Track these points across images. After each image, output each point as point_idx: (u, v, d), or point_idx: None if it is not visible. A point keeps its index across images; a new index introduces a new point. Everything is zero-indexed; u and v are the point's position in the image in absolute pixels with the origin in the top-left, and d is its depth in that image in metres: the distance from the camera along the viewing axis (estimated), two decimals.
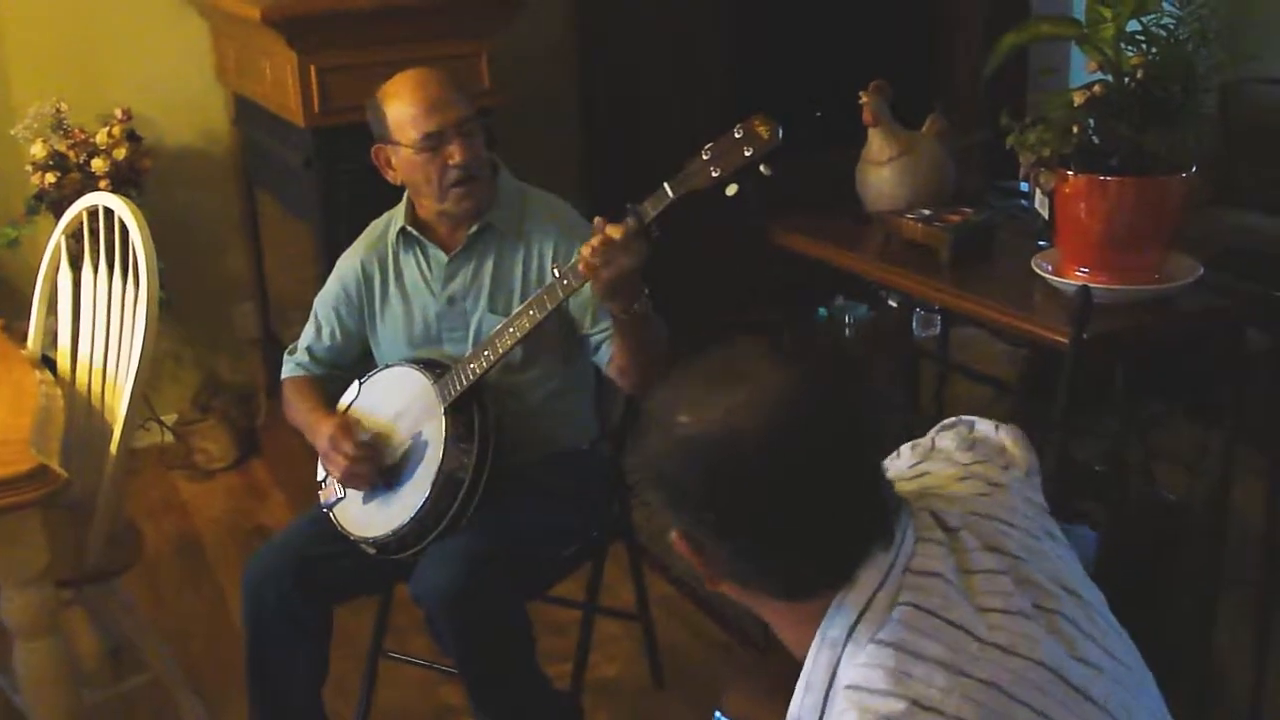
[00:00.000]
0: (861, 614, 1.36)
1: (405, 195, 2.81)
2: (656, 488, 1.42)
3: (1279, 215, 4.47)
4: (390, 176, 2.76)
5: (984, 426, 1.73)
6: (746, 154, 2.31)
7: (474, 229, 2.74)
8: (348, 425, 2.69)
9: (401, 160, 2.70)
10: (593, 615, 2.93)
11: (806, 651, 1.41)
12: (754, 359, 1.40)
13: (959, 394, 3.26)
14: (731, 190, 2.34)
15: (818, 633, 1.40)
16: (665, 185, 2.38)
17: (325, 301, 2.89)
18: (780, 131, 2.31)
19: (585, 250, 2.39)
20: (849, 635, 1.37)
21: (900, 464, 1.68)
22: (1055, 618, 1.40)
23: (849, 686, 1.34)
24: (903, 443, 1.76)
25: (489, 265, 2.75)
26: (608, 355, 2.68)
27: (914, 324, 3.49)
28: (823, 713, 1.38)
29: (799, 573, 1.40)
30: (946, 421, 1.78)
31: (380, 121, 2.71)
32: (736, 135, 2.33)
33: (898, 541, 1.39)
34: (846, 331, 4.17)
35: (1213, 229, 3.35)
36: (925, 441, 1.72)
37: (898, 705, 1.29)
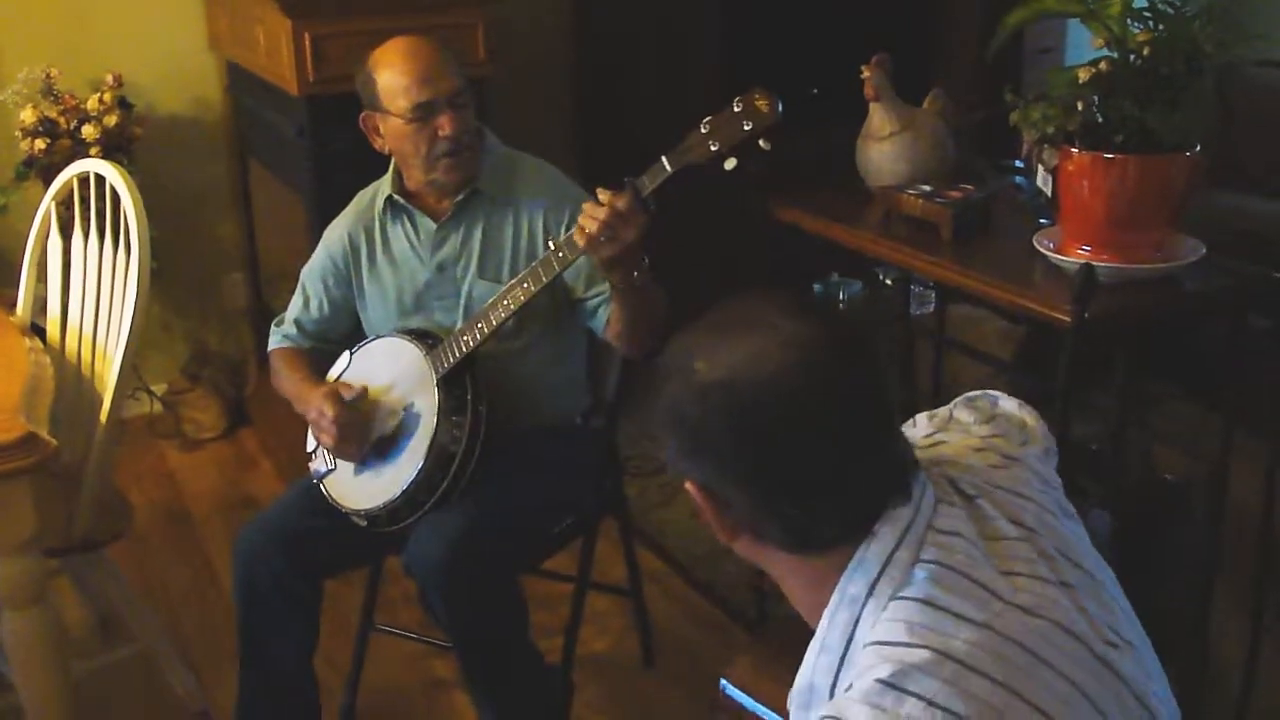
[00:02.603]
0: (883, 569, 1.35)
1: (392, 164, 2.79)
2: (674, 435, 1.40)
3: (1278, 198, 4.46)
4: (378, 145, 2.74)
5: (1008, 404, 1.72)
6: (745, 128, 2.29)
7: (462, 196, 2.72)
8: (336, 392, 2.67)
9: (390, 129, 2.68)
10: (584, 590, 2.91)
11: (819, 613, 1.40)
12: (769, 307, 1.39)
13: (955, 371, 3.24)
14: (730, 165, 2.32)
15: (836, 590, 1.38)
16: (663, 158, 2.37)
17: (313, 272, 2.87)
18: (780, 106, 2.29)
19: (589, 224, 2.36)
20: (870, 592, 1.35)
21: (916, 433, 1.67)
22: (1073, 591, 1.39)
23: (873, 643, 1.32)
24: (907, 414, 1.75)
25: (478, 231, 2.73)
26: (604, 320, 2.67)
27: (910, 301, 3.47)
28: (837, 675, 1.37)
29: (816, 522, 1.39)
30: (970, 395, 1.77)
31: (370, 89, 2.68)
32: (736, 109, 2.31)
33: (916, 498, 1.38)
34: (840, 308, 4.16)
35: (1212, 211, 3.34)
36: (943, 412, 1.71)
37: (923, 654, 1.28)
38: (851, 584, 1.37)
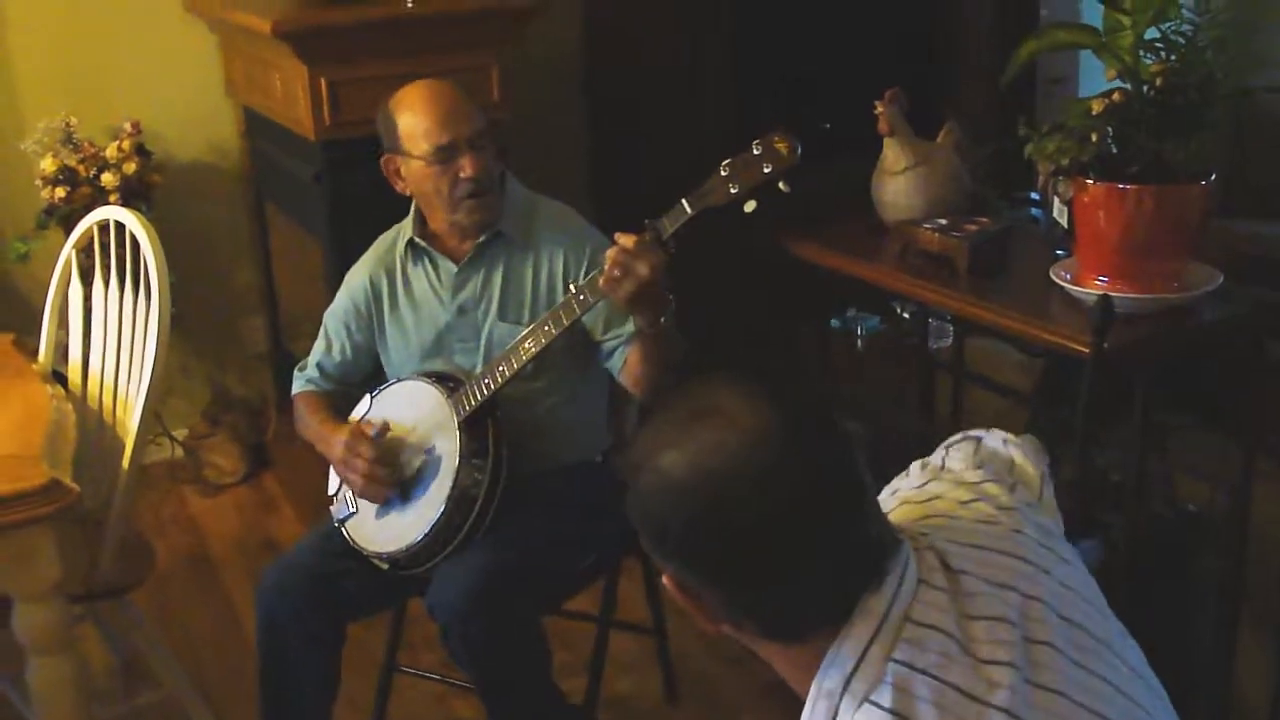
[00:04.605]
0: (856, 667, 1.33)
1: (413, 207, 2.80)
2: (643, 532, 1.39)
3: None
4: (399, 187, 2.75)
5: (992, 442, 1.69)
6: (765, 171, 2.30)
7: (483, 238, 2.73)
8: (364, 431, 2.68)
9: (411, 171, 2.69)
10: (607, 629, 2.91)
11: (805, 695, 1.38)
12: (726, 394, 1.36)
13: (975, 404, 3.24)
14: (750, 207, 2.32)
15: (814, 681, 1.36)
16: (683, 201, 2.37)
17: (335, 316, 2.88)
18: (800, 149, 2.29)
19: (607, 264, 2.37)
20: (844, 688, 1.33)
21: (909, 483, 1.65)
22: (1059, 657, 1.36)
23: None
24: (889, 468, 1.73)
25: (499, 274, 2.74)
26: (620, 362, 2.67)
27: (928, 334, 3.47)
28: None
29: (787, 615, 1.38)
30: (953, 439, 1.75)
31: (391, 131, 2.70)
32: (755, 152, 2.32)
33: (893, 583, 1.35)
34: (858, 344, 4.16)
35: (1229, 239, 3.34)
36: (935, 460, 1.69)
37: None
38: (827, 679, 1.35)
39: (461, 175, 2.65)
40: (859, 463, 1.38)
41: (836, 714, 1.34)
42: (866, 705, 1.31)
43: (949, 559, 1.41)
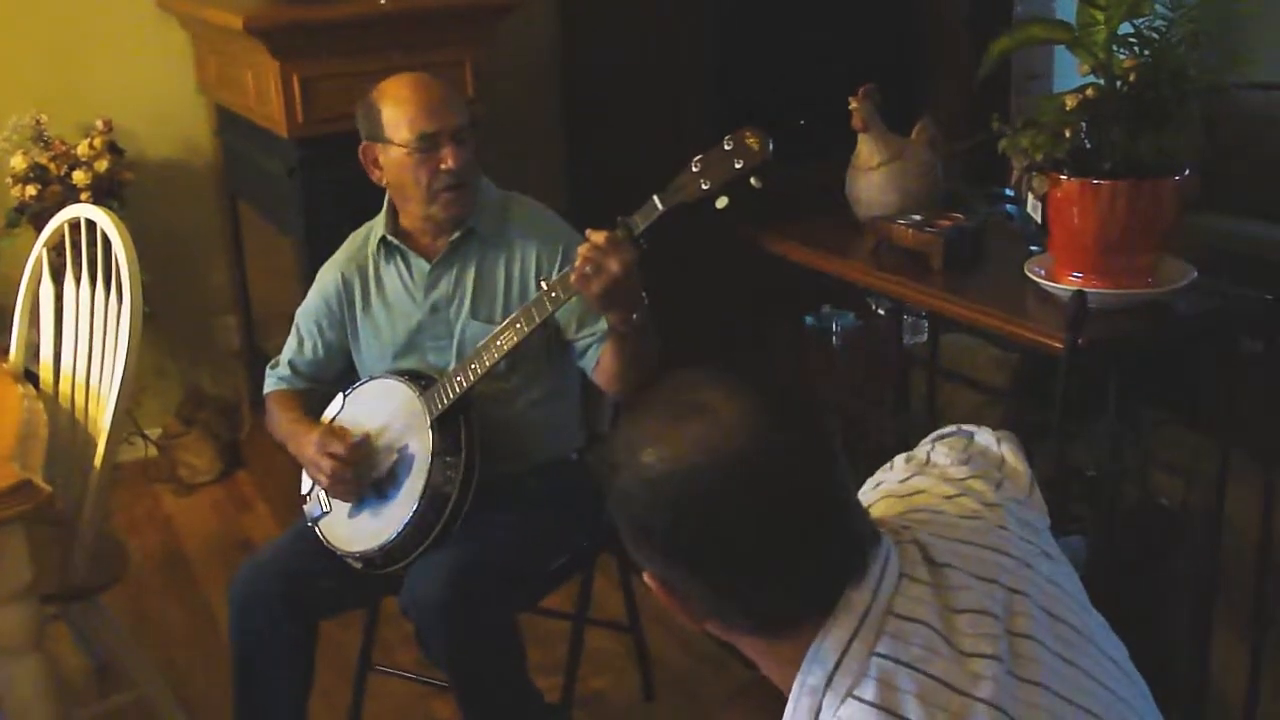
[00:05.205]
0: (839, 662, 1.32)
1: (385, 204, 2.79)
2: (625, 529, 1.39)
3: (1265, 220, 4.47)
4: (376, 176, 2.73)
5: (984, 438, 1.69)
6: (737, 166, 2.30)
7: (456, 236, 2.72)
8: (335, 430, 2.67)
9: (391, 160, 2.68)
10: (583, 627, 2.90)
11: (789, 691, 1.38)
12: (709, 389, 1.35)
13: (950, 400, 3.24)
14: (722, 203, 2.32)
15: (797, 677, 1.36)
16: (655, 198, 2.37)
17: (306, 314, 2.87)
18: (771, 145, 2.29)
19: (578, 261, 2.37)
20: (827, 684, 1.33)
21: (892, 476, 1.64)
22: (1043, 651, 1.37)
23: None
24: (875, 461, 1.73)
25: (471, 272, 2.73)
26: (594, 360, 2.67)
27: (902, 331, 3.47)
28: None
29: (771, 609, 1.37)
30: (944, 430, 1.75)
31: (374, 119, 2.68)
32: (726, 147, 2.31)
33: (875, 576, 1.35)
34: (833, 340, 4.15)
35: (1202, 234, 3.36)
36: (919, 454, 1.68)
37: None
38: (810, 674, 1.34)
39: (442, 167, 2.64)
40: (840, 455, 1.38)
41: (820, 710, 1.33)
42: (850, 700, 1.31)
43: (932, 553, 1.41)
